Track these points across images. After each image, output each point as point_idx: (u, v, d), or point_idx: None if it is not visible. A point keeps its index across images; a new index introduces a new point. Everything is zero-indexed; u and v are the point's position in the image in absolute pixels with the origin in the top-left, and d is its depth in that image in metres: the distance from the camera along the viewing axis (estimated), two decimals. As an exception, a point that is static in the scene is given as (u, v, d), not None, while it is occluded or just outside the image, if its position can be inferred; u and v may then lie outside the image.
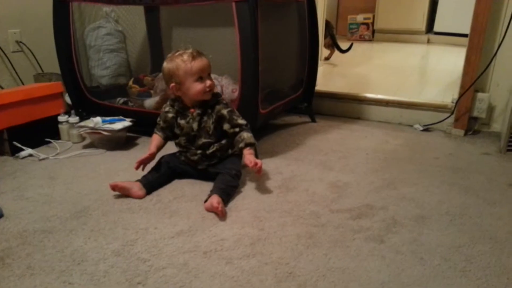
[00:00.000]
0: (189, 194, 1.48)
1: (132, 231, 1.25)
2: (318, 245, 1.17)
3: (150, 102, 2.09)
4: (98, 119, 1.91)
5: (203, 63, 1.47)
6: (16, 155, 1.83)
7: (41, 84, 2.13)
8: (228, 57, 2.31)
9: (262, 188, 1.52)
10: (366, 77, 3.01)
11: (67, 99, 2.28)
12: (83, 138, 2.05)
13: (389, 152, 1.87)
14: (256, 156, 1.49)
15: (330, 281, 1.02)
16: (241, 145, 1.48)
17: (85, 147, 1.98)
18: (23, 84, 2.50)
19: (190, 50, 1.47)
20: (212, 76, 2.18)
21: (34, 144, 1.92)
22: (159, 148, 1.58)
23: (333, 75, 3.09)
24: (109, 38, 2.58)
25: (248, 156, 1.45)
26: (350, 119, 2.36)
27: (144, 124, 2.00)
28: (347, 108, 2.40)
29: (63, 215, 1.34)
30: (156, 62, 2.65)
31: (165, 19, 2.59)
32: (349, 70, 3.25)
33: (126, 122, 1.96)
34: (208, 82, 1.47)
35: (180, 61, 1.46)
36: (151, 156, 1.53)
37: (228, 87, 2.12)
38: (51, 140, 1.99)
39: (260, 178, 1.57)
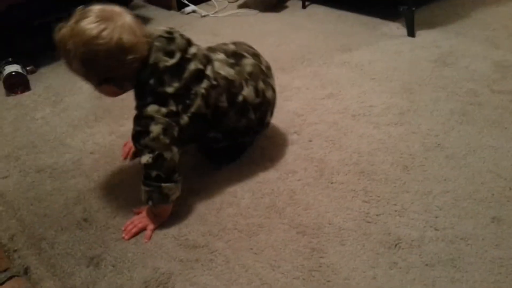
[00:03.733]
0: (337, 60, 1.51)
1: (286, 89, 1.36)
2: (472, 123, 1.14)
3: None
4: (254, -22, 1.95)
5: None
6: (182, 10, 2.02)
7: None
8: None
9: (416, 61, 1.46)
10: None
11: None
12: (238, -2, 2.14)
13: None
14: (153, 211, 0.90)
15: (480, 156, 1.02)
16: None
17: (240, 6, 2.07)
18: None
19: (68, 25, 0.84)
20: None
21: (196, 1, 2.08)
22: None
23: None
24: None
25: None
26: (534, -10, 1.97)
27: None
28: (533, -25, 1.99)
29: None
30: None
31: None
32: None
33: (280, -17, 1.96)
34: None
35: None
36: None
37: None
38: (210, -2, 2.13)
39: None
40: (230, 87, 0.94)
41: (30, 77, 1.47)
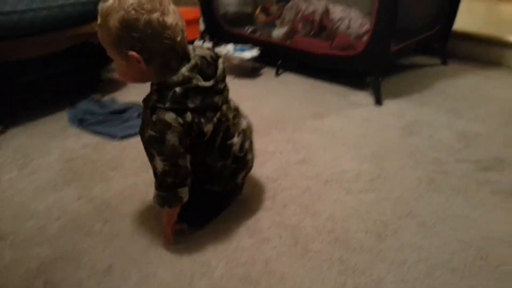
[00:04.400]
0: (310, 126, 1.56)
1: (261, 153, 1.38)
2: (439, 191, 1.18)
3: (277, 33, 2.14)
4: (230, 46, 2.04)
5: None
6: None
7: (182, 9, 2.30)
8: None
9: (384, 129, 1.53)
10: (513, 17, 2.65)
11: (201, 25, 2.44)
12: (214, 63, 2.22)
13: (531, 105, 1.70)
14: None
15: (449, 225, 1.04)
16: None
17: (216, 72, 2.14)
18: (162, 8, 2.72)
19: None
20: (341, 8, 2.15)
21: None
22: None
23: (473, 12, 2.76)
24: (239, -36, 2.61)
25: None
26: (489, 65, 2.15)
27: (270, 55, 2.09)
28: (486, 52, 2.18)
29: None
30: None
31: None
32: (494, 7, 2.87)
33: (254, 52, 2.05)
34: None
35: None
36: None
37: (356, 20, 2.06)
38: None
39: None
40: (227, 130, 0.99)
41: (-2, 137, 1.43)
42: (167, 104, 0.87)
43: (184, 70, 0.88)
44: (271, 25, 2.32)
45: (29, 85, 1.90)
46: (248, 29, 2.28)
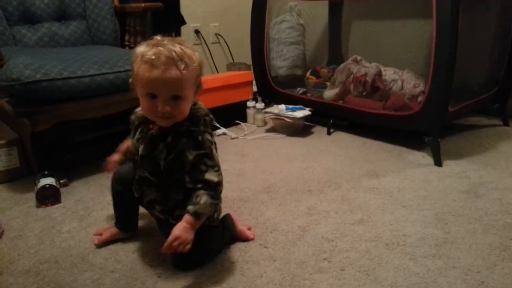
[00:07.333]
0: (365, 185, 1.51)
1: (315, 211, 1.34)
2: (516, 260, 1.07)
3: (329, 94, 2.17)
4: (282, 106, 2.08)
5: (162, 75, 0.90)
6: (213, 132, 2.13)
7: (236, 72, 2.42)
8: (410, 51, 2.24)
9: (446, 190, 1.45)
10: None
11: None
12: (266, 123, 2.26)
13: None
14: (192, 228, 0.94)
15: (533, 300, 0.93)
16: (187, 208, 0.95)
17: (268, 131, 2.18)
18: (217, 71, 2.87)
19: (168, 45, 0.92)
20: (392, 70, 2.16)
21: (226, 124, 2.20)
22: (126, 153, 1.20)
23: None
24: (291, 31, 2.75)
25: (176, 228, 0.93)
26: (555, 126, 2.03)
27: (321, 114, 2.11)
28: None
29: (254, 188, 1.52)
30: (333, 55, 2.72)
31: (347, 12, 2.62)
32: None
33: (306, 111, 2.08)
34: (160, 106, 0.93)
35: (140, 56, 0.93)
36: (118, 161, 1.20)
37: (409, 82, 2.06)
38: (240, 122, 2.25)
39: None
40: None
41: (62, 190, 1.50)
42: (202, 128, 1.00)
43: (204, 107, 1.04)
44: (321, 86, 2.37)
45: (92, 142, 2.02)
46: (299, 91, 2.33)
